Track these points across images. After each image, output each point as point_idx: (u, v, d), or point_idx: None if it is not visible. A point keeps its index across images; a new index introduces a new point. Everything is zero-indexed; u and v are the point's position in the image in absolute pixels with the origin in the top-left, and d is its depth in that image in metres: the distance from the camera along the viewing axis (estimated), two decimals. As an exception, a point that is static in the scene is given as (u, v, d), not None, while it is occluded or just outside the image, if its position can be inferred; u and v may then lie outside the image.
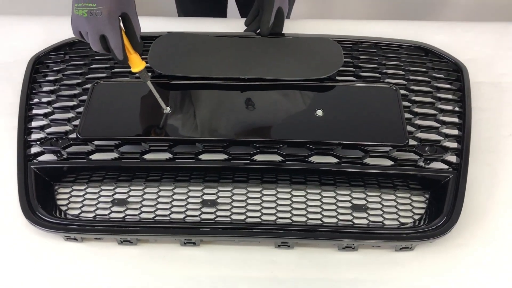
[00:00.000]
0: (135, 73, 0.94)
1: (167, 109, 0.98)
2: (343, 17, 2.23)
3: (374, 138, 0.95)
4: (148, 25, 1.04)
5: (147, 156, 0.96)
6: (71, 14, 0.87)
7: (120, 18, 0.85)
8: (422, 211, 0.93)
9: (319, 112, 0.98)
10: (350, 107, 1.00)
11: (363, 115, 0.98)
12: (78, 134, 0.96)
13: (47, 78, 1.11)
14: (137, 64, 0.92)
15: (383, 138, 0.95)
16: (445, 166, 0.95)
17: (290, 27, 1.19)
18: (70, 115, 1.02)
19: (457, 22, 1.32)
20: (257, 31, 1.14)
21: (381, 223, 0.91)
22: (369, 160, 0.94)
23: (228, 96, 1.01)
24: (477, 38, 1.25)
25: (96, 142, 0.97)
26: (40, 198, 0.93)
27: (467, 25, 1.28)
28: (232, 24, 1.27)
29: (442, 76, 1.09)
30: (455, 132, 1.00)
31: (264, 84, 1.03)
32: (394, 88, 1.02)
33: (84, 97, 1.04)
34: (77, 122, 1.00)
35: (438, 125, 1.00)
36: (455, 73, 1.09)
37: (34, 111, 1.04)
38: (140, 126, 0.98)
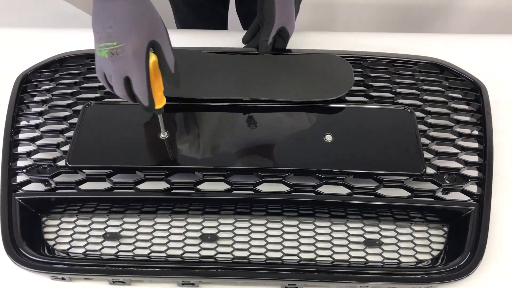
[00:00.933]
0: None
1: (165, 134, 0.91)
2: (346, 27, 2.16)
3: (389, 167, 0.88)
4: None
5: (142, 186, 0.89)
6: (95, 56, 0.76)
7: (149, 52, 0.73)
8: (441, 246, 0.86)
9: (328, 137, 0.91)
10: (361, 131, 0.92)
11: (376, 141, 0.91)
12: (67, 162, 0.88)
13: (35, 99, 1.03)
14: (159, 100, 0.80)
15: (398, 166, 0.88)
16: (465, 197, 0.87)
17: (291, 40, 1.12)
18: (60, 139, 0.95)
19: (470, 34, 1.24)
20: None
21: (396, 260, 0.84)
22: (383, 191, 0.87)
23: (230, 120, 0.94)
24: (493, 52, 1.17)
25: (87, 171, 0.90)
26: (25, 233, 0.85)
27: (481, 38, 1.21)
28: (233, 37, 1.19)
29: (459, 96, 1.02)
30: (475, 158, 0.92)
31: (268, 107, 0.95)
32: (409, 111, 0.94)
33: (75, 119, 0.96)
34: (66, 147, 0.92)
35: (457, 151, 0.92)
36: (473, 92, 1.02)
37: (21, 135, 0.97)
38: (134, 153, 0.90)
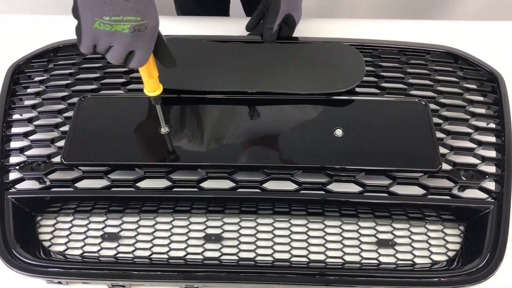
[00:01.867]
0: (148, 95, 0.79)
1: (165, 129, 0.86)
2: (350, 14, 2.10)
3: (402, 163, 0.83)
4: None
5: (142, 184, 0.84)
6: (82, 27, 0.67)
7: None
8: (457, 247, 0.81)
9: (339, 132, 0.86)
10: (373, 125, 0.87)
11: (388, 135, 0.86)
12: (62, 159, 0.83)
13: (28, 91, 0.98)
14: (154, 87, 0.77)
15: (413, 162, 0.83)
16: (483, 195, 0.83)
17: (296, 28, 1.06)
18: (54, 134, 0.90)
19: (482, 21, 1.18)
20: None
21: (410, 262, 0.80)
22: (396, 188, 0.82)
23: (234, 114, 0.89)
24: (509, 39, 1.12)
25: (83, 168, 0.85)
26: (18, 234, 0.81)
27: (495, 25, 1.15)
28: (236, 24, 1.14)
29: (475, 87, 0.97)
30: (493, 154, 0.87)
31: (274, 99, 0.90)
32: (424, 103, 0.89)
33: (70, 113, 0.91)
34: (62, 143, 0.87)
35: (473, 145, 0.88)
36: (489, 83, 0.96)
37: (13, 130, 0.91)
38: (134, 149, 0.85)
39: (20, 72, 1.00)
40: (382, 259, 0.80)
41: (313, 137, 0.86)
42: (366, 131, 0.87)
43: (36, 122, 0.92)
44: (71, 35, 1.02)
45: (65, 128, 0.90)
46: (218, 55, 0.96)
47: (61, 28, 1.10)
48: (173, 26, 1.16)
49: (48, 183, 0.84)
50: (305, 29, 1.11)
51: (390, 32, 1.12)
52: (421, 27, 1.15)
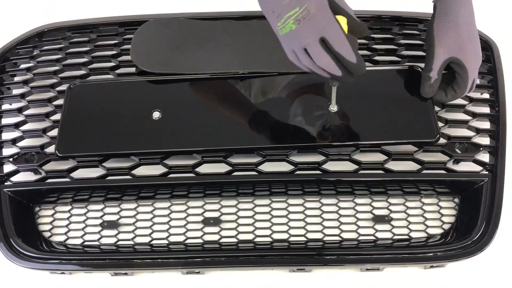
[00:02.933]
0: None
1: (156, 115, 0.85)
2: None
3: (399, 135, 0.82)
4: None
5: (138, 171, 0.84)
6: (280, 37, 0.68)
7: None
8: (452, 219, 0.83)
9: (333, 107, 0.85)
10: (368, 97, 0.86)
11: (383, 106, 0.85)
12: (56, 151, 0.83)
13: (15, 79, 0.96)
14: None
15: (409, 134, 0.82)
16: (477, 167, 0.83)
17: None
18: (46, 124, 0.89)
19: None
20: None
21: (407, 236, 0.81)
22: (391, 164, 0.82)
23: (226, 95, 0.88)
24: (504, 6, 1.09)
25: (77, 157, 0.84)
26: (18, 226, 0.81)
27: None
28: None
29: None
30: (487, 125, 0.87)
31: (267, 79, 0.89)
32: (420, 70, 0.87)
33: (60, 101, 0.90)
34: (54, 132, 0.86)
35: (468, 117, 0.87)
36: (484, 52, 0.95)
37: (4, 121, 0.90)
38: (128, 137, 0.84)
39: (5, 59, 0.98)
40: (379, 235, 0.81)
41: (307, 114, 0.84)
42: (360, 104, 0.85)
43: (26, 112, 0.91)
44: (55, 18, 0.99)
45: (57, 116, 0.89)
46: (208, 34, 0.94)
47: (44, 10, 1.07)
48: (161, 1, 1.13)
49: (43, 174, 0.84)
50: None
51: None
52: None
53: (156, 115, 0.85)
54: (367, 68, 0.84)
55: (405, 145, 0.83)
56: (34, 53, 0.98)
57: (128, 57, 0.93)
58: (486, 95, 0.90)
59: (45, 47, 0.99)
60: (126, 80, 0.91)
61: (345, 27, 0.67)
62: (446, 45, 0.79)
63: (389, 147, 0.83)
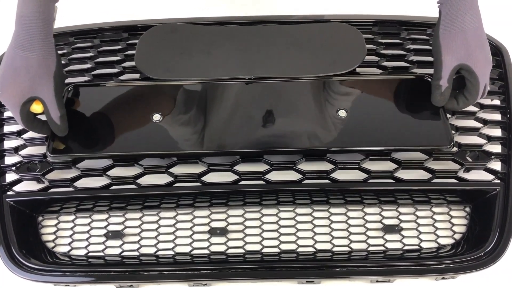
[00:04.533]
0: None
1: (157, 117, 0.83)
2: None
3: (411, 141, 0.80)
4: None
5: (143, 180, 0.82)
6: None
7: (27, 102, 0.76)
8: (463, 229, 0.81)
9: (342, 113, 0.83)
10: (379, 104, 0.85)
11: (395, 114, 0.83)
12: (48, 153, 0.81)
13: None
14: None
15: (422, 140, 0.80)
16: (489, 176, 0.81)
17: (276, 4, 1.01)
18: (49, 131, 0.87)
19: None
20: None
21: (417, 247, 0.79)
22: (402, 173, 0.81)
23: (232, 100, 0.86)
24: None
25: (81, 166, 0.83)
26: (21, 237, 0.80)
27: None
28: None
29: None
30: (498, 132, 0.86)
31: (274, 84, 0.87)
32: (429, 79, 0.86)
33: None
34: (57, 140, 0.85)
35: (479, 125, 0.86)
36: (494, 57, 0.93)
37: (6, 128, 0.89)
38: (126, 140, 0.82)
39: (7, 65, 0.96)
40: (389, 245, 0.80)
41: (316, 119, 0.83)
42: (371, 110, 0.84)
43: (29, 120, 0.89)
44: (57, 23, 0.97)
45: (59, 124, 0.87)
46: (213, 39, 0.92)
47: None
48: (168, 4, 1.11)
49: (46, 183, 0.82)
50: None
51: (387, 3, 1.08)
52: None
53: (156, 117, 0.83)
54: (378, 77, 0.84)
55: (418, 152, 0.82)
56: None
57: (132, 63, 0.92)
58: (497, 102, 0.89)
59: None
60: (126, 85, 0.89)
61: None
62: (454, 52, 0.77)
63: (399, 155, 0.82)
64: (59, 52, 0.96)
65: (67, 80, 0.92)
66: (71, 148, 0.82)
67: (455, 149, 0.83)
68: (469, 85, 0.79)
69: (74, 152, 0.82)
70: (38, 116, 0.80)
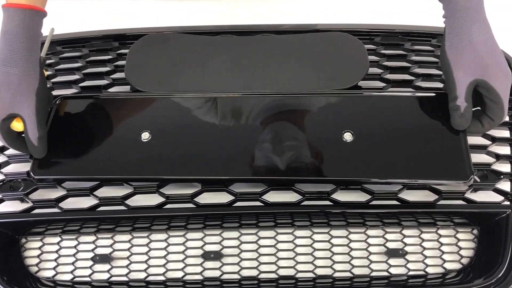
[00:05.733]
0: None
1: (146, 136, 0.78)
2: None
3: (423, 174, 0.74)
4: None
5: (132, 200, 0.77)
6: None
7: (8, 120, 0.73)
8: (471, 253, 0.77)
9: (348, 136, 0.77)
10: (387, 127, 0.78)
11: (407, 138, 0.76)
12: (31, 173, 0.77)
13: None
14: None
15: (436, 173, 0.73)
16: (498, 197, 0.77)
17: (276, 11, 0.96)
18: (33, 147, 0.82)
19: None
20: None
21: (423, 272, 0.75)
22: (406, 194, 0.77)
23: (227, 118, 0.81)
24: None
25: (67, 185, 0.78)
26: (2, 261, 0.75)
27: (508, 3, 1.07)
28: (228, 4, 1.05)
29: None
30: (507, 150, 0.81)
31: (272, 100, 0.82)
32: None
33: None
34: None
35: (487, 142, 0.82)
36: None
37: (-13, 144, 0.84)
38: (113, 161, 0.77)
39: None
40: (393, 270, 0.75)
41: (318, 143, 0.77)
42: (380, 134, 0.77)
43: (12, 135, 0.84)
44: (43, 31, 0.92)
45: (45, 140, 0.82)
46: (208, 50, 0.88)
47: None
48: (160, 12, 1.07)
49: (30, 203, 0.77)
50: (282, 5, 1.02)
51: (390, 12, 1.04)
52: (425, 6, 1.06)
53: (145, 136, 0.78)
54: (387, 94, 0.78)
55: (432, 185, 0.76)
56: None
57: (122, 75, 0.87)
58: (506, 118, 0.84)
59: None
60: (118, 97, 0.84)
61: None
62: (465, 67, 0.71)
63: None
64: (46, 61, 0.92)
65: (55, 93, 0.88)
66: (55, 169, 0.77)
67: (462, 168, 0.78)
68: (491, 104, 0.72)
69: (58, 173, 0.77)
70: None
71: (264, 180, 0.76)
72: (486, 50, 0.71)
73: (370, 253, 0.76)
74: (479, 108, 0.75)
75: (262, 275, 0.75)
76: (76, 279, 0.76)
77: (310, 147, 0.77)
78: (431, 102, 0.79)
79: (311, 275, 0.75)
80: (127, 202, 0.77)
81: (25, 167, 0.81)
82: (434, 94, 0.80)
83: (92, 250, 0.78)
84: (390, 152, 0.75)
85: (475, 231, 0.78)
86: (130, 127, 0.80)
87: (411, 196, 0.77)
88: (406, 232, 0.78)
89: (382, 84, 0.87)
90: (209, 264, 0.76)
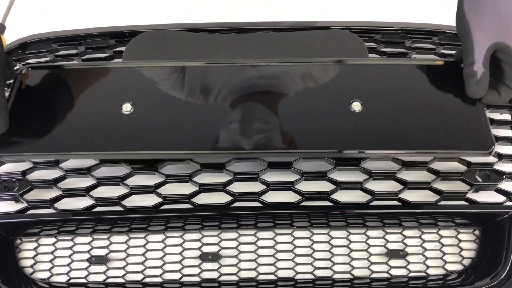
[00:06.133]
0: None
1: (128, 108, 0.74)
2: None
3: (440, 144, 0.70)
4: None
5: (129, 200, 0.76)
6: None
7: None
8: (473, 254, 0.76)
9: (356, 106, 0.73)
10: (400, 95, 0.74)
11: (419, 109, 0.73)
12: None
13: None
14: None
15: (456, 142, 0.70)
16: (500, 197, 0.76)
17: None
18: (28, 146, 0.81)
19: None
20: None
21: (423, 273, 0.74)
22: (407, 194, 0.75)
23: (225, 85, 0.75)
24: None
25: (63, 185, 0.77)
26: (-4, 263, 0.74)
27: None
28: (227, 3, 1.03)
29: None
30: (509, 149, 0.80)
31: (275, 69, 0.77)
32: (462, 66, 0.74)
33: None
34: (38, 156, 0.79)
35: (489, 141, 0.80)
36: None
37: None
38: (90, 135, 0.73)
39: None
40: (393, 271, 0.74)
41: (325, 114, 0.72)
42: (392, 103, 0.73)
43: (6, 134, 0.83)
44: (39, 28, 0.91)
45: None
46: (206, 49, 0.86)
47: (28, 19, 0.99)
48: (158, 10, 1.05)
49: (25, 204, 0.76)
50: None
51: (390, 11, 1.02)
52: (426, 6, 1.05)
53: (127, 107, 0.74)
54: (398, 62, 0.75)
55: (448, 159, 0.74)
56: (17, 67, 0.90)
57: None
58: (507, 116, 0.83)
59: (29, 61, 0.91)
60: (86, 66, 0.81)
61: None
62: (486, 28, 0.65)
63: (404, 175, 0.76)
64: (42, 60, 0.91)
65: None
66: (21, 145, 0.73)
67: (464, 167, 0.77)
68: (510, 71, 0.66)
69: (24, 150, 0.73)
70: None
71: (268, 154, 0.73)
72: (510, 11, 0.66)
73: (371, 254, 0.75)
74: (493, 78, 0.70)
75: (261, 277, 0.74)
76: (72, 280, 0.75)
77: (316, 119, 0.73)
78: (445, 71, 0.75)
79: (310, 276, 0.74)
80: (124, 202, 0.75)
81: (19, 167, 0.79)
82: (448, 62, 0.77)
83: (88, 251, 0.76)
84: (402, 123, 0.71)
85: (477, 232, 0.77)
86: (109, 98, 0.75)
87: (412, 196, 0.76)
88: (406, 233, 0.77)
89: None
90: (207, 265, 0.75)
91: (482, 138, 0.69)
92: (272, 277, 0.74)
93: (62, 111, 0.75)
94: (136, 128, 0.72)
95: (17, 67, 0.84)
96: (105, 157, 0.75)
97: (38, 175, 0.78)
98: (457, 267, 0.75)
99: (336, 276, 0.74)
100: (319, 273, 0.74)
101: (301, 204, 0.75)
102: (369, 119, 0.71)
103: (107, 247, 0.77)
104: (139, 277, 0.74)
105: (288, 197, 0.76)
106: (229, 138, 0.72)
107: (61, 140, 0.73)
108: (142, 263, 0.75)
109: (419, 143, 0.71)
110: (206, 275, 0.74)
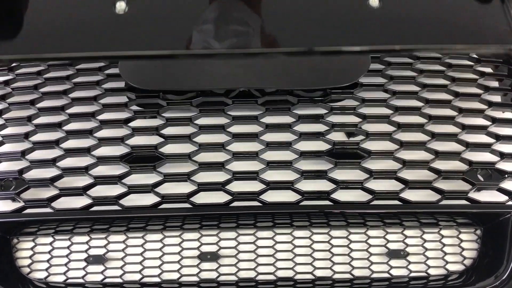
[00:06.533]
0: None
1: (121, 6, 0.70)
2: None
3: (460, 37, 0.67)
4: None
5: (127, 200, 0.75)
6: None
7: None
8: (474, 254, 0.75)
9: (373, 1, 0.69)
10: None
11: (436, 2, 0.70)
12: None
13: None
14: None
15: (475, 36, 0.67)
16: (502, 196, 0.75)
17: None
18: (25, 145, 0.80)
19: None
20: None
21: (424, 274, 0.74)
22: (408, 194, 0.75)
23: None
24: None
25: (60, 184, 0.76)
26: (-7, 263, 0.73)
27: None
28: None
29: (490, 70, 0.87)
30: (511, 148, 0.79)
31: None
32: None
33: (41, 120, 0.81)
34: (35, 155, 0.78)
35: (491, 140, 0.79)
36: (506, 65, 0.87)
37: (-24, 141, 0.81)
38: (82, 35, 0.68)
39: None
40: (394, 272, 0.74)
41: (339, 9, 0.69)
42: None
43: (3, 132, 0.82)
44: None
45: (36, 137, 0.80)
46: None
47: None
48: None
49: (21, 203, 0.75)
50: None
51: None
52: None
53: (120, 6, 0.70)
54: None
55: (468, 50, 0.71)
56: (13, 64, 0.88)
57: (116, 70, 0.85)
58: (510, 115, 0.82)
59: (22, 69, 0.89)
60: None
61: None
62: None
63: (405, 174, 0.75)
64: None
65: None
66: (15, 47, 0.69)
67: (465, 167, 0.77)
68: None
69: (19, 51, 0.69)
70: None
71: (279, 52, 0.69)
72: None
73: (371, 254, 0.75)
74: None
75: (260, 277, 0.73)
76: (69, 280, 0.74)
77: (334, 14, 0.69)
78: None
79: (310, 276, 0.73)
80: (121, 201, 0.75)
81: (16, 165, 0.78)
82: None
83: (86, 251, 0.76)
84: (422, 17, 0.69)
85: (478, 232, 0.76)
86: None
87: (412, 195, 0.75)
88: (407, 232, 0.76)
89: (387, 96, 0.82)
90: (205, 265, 0.74)
91: (503, 30, 0.66)
92: (271, 277, 0.73)
93: (53, 8, 0.71)
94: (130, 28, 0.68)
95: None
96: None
97: (34, 173, 0.77)
98: (459, 267, 0.74)
99: (336, 276, 0.73)
100: (319, 273, 0.74)
101: (301, 204, 0.74)
102: (388, 14, 0.67)
103: (104, 246, 0.76)
104: (137, 277, 0.74)
105: (287, 196, 0.75)
106: (230, 35, 0.69)
107: (50, 40, 0.69)
108: (140, 263, 0.75)
109: (443, 36, 0.68)
110: (204, 275, 0.74)
